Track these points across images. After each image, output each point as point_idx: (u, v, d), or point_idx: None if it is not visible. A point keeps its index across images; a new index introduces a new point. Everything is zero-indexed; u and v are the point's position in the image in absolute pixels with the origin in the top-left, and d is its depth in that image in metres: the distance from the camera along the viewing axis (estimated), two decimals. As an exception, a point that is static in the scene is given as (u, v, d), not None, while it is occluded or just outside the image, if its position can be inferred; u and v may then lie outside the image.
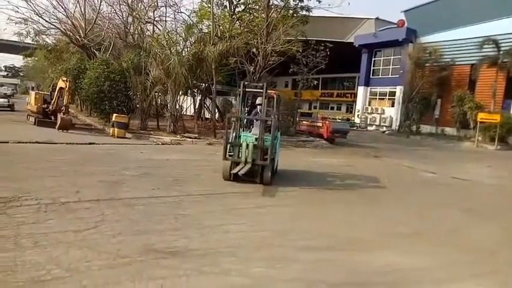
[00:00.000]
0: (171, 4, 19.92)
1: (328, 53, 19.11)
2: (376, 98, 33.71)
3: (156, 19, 21.11)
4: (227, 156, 7.59)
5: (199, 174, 8.48)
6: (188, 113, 23.73)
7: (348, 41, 33.13)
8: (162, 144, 13.98)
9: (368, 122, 32.78)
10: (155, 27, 21.56)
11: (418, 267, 4.11)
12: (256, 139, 7.45)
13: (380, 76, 33.34)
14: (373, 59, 33.84)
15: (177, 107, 17.46)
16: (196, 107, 22.87)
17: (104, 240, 4.11)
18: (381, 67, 33.48)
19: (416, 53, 27.48)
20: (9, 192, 5.52)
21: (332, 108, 42.92)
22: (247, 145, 7.25)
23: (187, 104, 23.49)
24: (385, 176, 9.89)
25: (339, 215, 6.08)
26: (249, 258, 3.96)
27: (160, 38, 19.44)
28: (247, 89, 8.41)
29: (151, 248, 3.98)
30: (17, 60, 72.91)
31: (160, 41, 18.49)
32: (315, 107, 43.68)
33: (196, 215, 5.33)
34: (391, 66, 32.41)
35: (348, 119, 34.02)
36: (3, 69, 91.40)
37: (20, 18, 20.48)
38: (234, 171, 7.28)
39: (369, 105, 33.80)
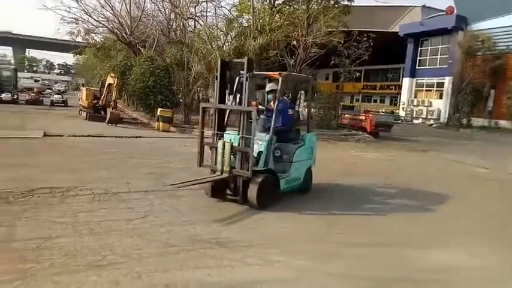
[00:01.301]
0: (212, -1, 20.18)
1: (371, 43, 18.52)
2: (422, 90, 32.27)
3: (197, 14, 21.48)
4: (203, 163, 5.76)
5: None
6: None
7: (392, 30, 31.92)
8: (205, 137, 14.26)
9: (414, 115, 31.49)
10: (197, 23, 21.96)
11: (476, 266, 3.93)
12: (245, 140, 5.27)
13: (427, 66, 31.86)
14: (419, 49, 32.38)
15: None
16: (237, 101, 23.09)
17: (153, 229, 4.29)
18: (428, 57, 31.96)
19: (467, 42, 25.97)
20: (66, 182, 5.90)
21: (375, 101, 41.71)
22: (223, 148, 5.30)
23: (228, 98, 23.82)
24: (434, 172, 9.49)
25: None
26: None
27: (202, 33, 19.77)
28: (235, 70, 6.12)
29: (197, 238, 4.11)
30: (68, 58, 77.46)
31: (202, 36, 18.80)
32: (357, 100, 42.64)
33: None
34: (439, 56, 30.85)
35: (392, 112, 32.88)
36: (57, 67, 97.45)
37: (71, 18, 21.70)
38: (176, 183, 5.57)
39: (415, 97, 32.45)
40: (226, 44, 18.27)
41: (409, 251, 4.24)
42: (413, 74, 32.63)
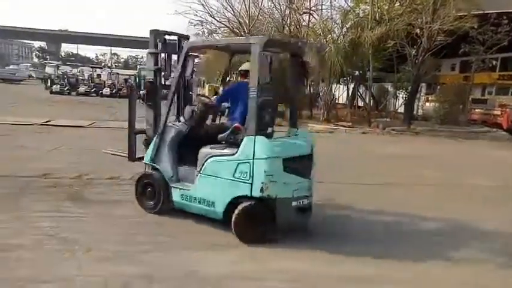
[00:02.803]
0: (328, -8, 19.90)
1: (514, 26, 15.96)
2: None
3: (312, 8, 21.42)
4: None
5: (353, 162, 8.34)
6: (340, 101, 23.50)
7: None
8: (315, 132, 14.25)
9: None
10: (311, 17, 21.91)
11: None
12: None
13: None
14: None
15: (330, 95, 17.49)
16: (349, 94, 22.43)
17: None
18: None
19: None
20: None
21: (514, 93, 35.84)
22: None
23: (340, 92, 23.26)
24: None
25: None
26: None
27: (316, 27, 19.64)
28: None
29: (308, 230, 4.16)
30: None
31: (316, 30, 18.69)
32: (490, 93, 37.15)
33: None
34: None
35: (537, 106, 27.81)
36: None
37: (197, 20, 23.79)
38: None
39: None
40: (341, 37, 17.81)
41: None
42: None
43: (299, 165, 3.81)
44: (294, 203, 3.70)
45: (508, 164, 9.64)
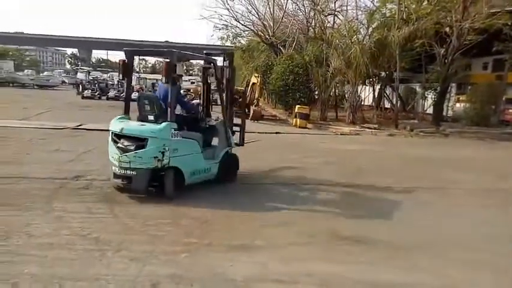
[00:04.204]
0: (354, -8, 19.67)
1: (550, 22, 15.19)
2: None
3: (337, 10, 21.22)
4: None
5: (383, 165, 8.21)
6: (366, 103, 23.11)
7: None
8: (341, 134, 14.11)
9: None
10: (336, 18, 21.71)
11: None
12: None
13: None
14: None
15: (356, 97, 17.25)
16: (375, 96, 22.04)
17: (295, 220, 4.54)
18: None
19: None
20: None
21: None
22: None
23: (366, 94, 22.89)
24: None
25: None
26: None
27: (341, 28, 19.44)
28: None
29: (337, 234, 4.14)
30: (219, 62, 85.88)
31: (341, 31, 18.50)
32: (526, 92, 35.51)
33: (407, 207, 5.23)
34: None
35: None
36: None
37: (223, 25, 24.09)
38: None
39: None
40: (367, 37, 17.54)
41: None
42: None
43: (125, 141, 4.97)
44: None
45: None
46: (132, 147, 4.86)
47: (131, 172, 4.86)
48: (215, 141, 6.03)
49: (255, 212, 4.74)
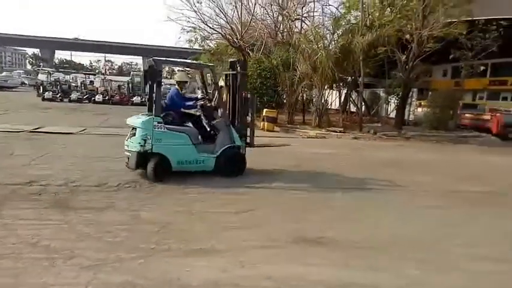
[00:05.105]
0: (320, -2, 20.11)
1: (502, 33, 16.18)
2: None
3: (304, 15, 21.60)
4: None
5: (345, 167, 8.36)
6: (333, 107, 23.61)
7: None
8: (308, 137, 14.30)
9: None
10: (303, 23, 22.08)
11: None
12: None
13: None
14: None
15: (323, 101, 17.57)
16: (342, 100, 22.55)
17: (256, 223, 4.50)
18: None
19: None
20: (183, 176, 6.52)
21: (505, 98, 36.12)
22: None
23: (332, 98, 23.37)
24: None
25: None
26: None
27: (308, 33, 19.78)
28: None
29: (298, 235, 4.16)
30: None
31: (308, 37, 18.82)
32: (481, 98, 37.51)
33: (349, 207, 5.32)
34: None
35: (527, 111, 28.15)
36: (176, 72, 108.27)
37: (190, 27, 23.84)
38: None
39: (559, 93, 27.25)
40: (333, 43, 17.95)
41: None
42: (557, 66, 27.42)
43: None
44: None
45: (497, 169, 9.71)
46: (132, 135, 6.22)
47: (128, 153, 6.23)
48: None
49: (216, 216, 4.67)
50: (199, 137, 6.53)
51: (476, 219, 5.24)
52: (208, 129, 6.79)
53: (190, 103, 6.97)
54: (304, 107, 19.70)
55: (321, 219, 4.81)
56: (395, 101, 20.17)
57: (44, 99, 24.94)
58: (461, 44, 16.96)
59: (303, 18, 21.76)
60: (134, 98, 26.91)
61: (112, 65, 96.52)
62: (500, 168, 9.82)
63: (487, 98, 37.02)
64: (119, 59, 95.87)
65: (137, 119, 6.25)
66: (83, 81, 30.50)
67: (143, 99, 27.51)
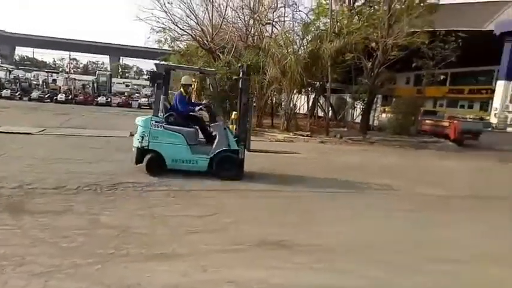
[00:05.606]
0: (290, 4, 20.39)
1: (460, 44, 17.05)
2: (520, 95, 28.75)
3: (275, 20, 21.80)
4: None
5: (310, 170, 8.47)
6: (302, 111, 23.94)
7: (487, 29, 28.94)
8: (276, 141, 14.40)
9: (508, 122, 28.18)
10: (274, 28, 22.28)
11: None
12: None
13: (528, 68, 28.28)
14: (519, 49, 28.87)
15: (291, 105, 17.77)
16: (310, 105, 22.92)
17: (221, 226, 4.46)
18: (530, 57, 28.34)
19: None
20: (146, 178, 6.38)
21: (462, 106, 38.11)
22: None
23: (301, 103, 23.71)
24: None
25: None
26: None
27: (278, 38, 19.97)
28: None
29: (262, 239, 4.16)
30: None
31: (278, 41, 19.00)
32: (441, 105, 39.37)
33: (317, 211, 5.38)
34: (544, 56, 27.17)
35: (482, 119, 29.78)
36: (145, 73, 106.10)
37: (160, 27, 23.42)
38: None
39: (511, 102, 29.01)
40: (302, 48, 18.22)
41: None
42: (510, 77, 29.19)
43: None
44: None
45: (456, 174, 10.16)
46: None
47: (134, 149, 6.75)
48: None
49: (179, 219, 4.59)
50: (199, 138, 7.06)
51: (441, 223, 5.44)
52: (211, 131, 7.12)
53: (192, 108, 7.21)
54: (273, 110, 19.85)
55: (286, 223, 4.83)
56: (361, 107, 20.74)
57: (0, 97, 23.70)
58: (423, 53, 17.70)
59: (274, 23, 21.95)
60: (99, 98, 26.11)
61: (77, 64, 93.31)
62: (458, 173, 10.28)
63: (446, 105, 39.03)
64: (84, 58, 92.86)
65: (141, 118, 6.84)
66: (45, 79, 29.33)
67: (108, 99, 26.79)
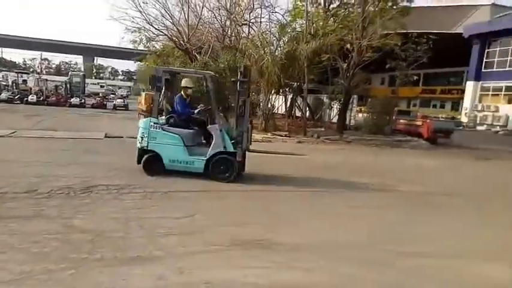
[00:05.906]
0: (267, 5, 20.49)
1: (431, 45, 17.60)
2: (488, 94, 29.97)
3: (251, 21, 21.84)
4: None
5: (287, 170, 8.54)
6: (280, 112, 24.08)
7: (456, 31, 30.02)
8: (254, 141, 14.40)
9: (477, 121, 29.31)
10: (251, 29, 22.32)
11: None
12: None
13: (495, 69, 29.51)
14: (486, 51, 30.09)
15: (269, 105, 17.85)
16: (287, 105, 23.10)
17: (197, 228, 4.43)
18: (495, 59, 29.58)
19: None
20: (121, 180, 6.27)
21: (434, 106, 39.38)
22: None
23: (279, 103, 23.85)
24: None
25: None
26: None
27: (255, 38, 20.03)
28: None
29: (238, 239, 4.16)
30: (131, 65, 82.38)
31: (255, 42, 19.05)
32: (415, 105, 40.54)
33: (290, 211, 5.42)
34: (509, 58, 28.42)
35: (453, 118, 30.84)
36: (120, 73, 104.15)
37: (135, 27, 23.04)
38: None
39: (480, 102, 30.19)
40: (279, 49, 18.34)
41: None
42: (478, 78, 30.39)
43: None
44: None
45: (429, 172, 10.46)
46: None
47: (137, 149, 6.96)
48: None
49: (155, 221, 4.52)
50: (201, 140, 7.29)
51: (415, 218, 5.58)
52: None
53: (192, 111, 7.30)
54: (251, 111, 19.84)
55: (262, 223, 4.86)
56: (338, 107, 21.07)
57: (-34, 98, 22.76)
58: (397, 55, 18.18)
59: (250, 24, 22.01)
60: (72, 99, 25.47)
61: (49, 64, 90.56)
62: (431, 171, 10.58)
63: (419, 105, 40.21)
64: (56, 58, 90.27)
65: (142, 119, 7.21)
66: (15, 80, 28.32)
67: (82, 100, 26.15)
